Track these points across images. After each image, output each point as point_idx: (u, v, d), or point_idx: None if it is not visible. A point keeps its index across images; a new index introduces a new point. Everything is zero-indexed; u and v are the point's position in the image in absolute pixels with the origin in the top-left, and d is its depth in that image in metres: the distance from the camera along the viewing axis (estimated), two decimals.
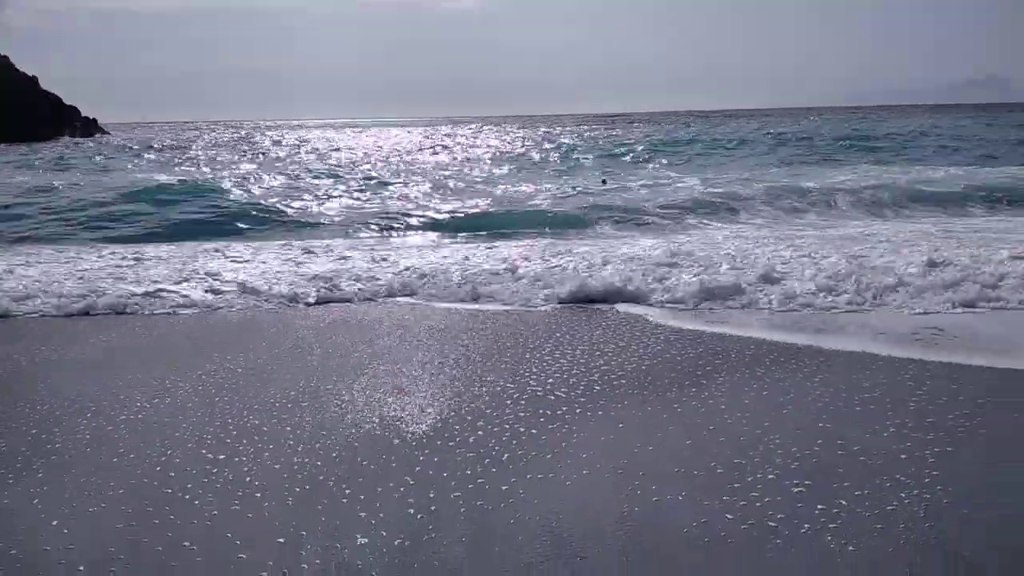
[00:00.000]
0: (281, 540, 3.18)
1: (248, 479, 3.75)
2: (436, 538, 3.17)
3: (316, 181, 20.71)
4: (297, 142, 45.59)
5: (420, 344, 6.04)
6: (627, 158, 29.09)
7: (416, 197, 17.41)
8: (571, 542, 3.11)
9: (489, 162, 28.12)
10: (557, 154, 31.34)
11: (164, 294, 7.72)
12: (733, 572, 2.90)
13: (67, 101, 76.70)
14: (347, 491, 3.60)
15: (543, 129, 59.58)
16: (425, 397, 4.85)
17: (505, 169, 24.93)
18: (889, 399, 4.56)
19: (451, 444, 4.13)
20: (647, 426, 4.28)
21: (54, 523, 3.35)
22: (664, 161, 27.21)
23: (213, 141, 46.29)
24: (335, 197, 17.56)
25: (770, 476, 3.61)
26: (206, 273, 8.88)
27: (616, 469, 3.76)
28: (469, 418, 4.47)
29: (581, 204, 15.36)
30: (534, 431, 4.28)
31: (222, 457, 4.01)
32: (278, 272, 9.01)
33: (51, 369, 5.61)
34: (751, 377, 5.04)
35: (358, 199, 17.41)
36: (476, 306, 7.29)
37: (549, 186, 18.49)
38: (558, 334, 6.20)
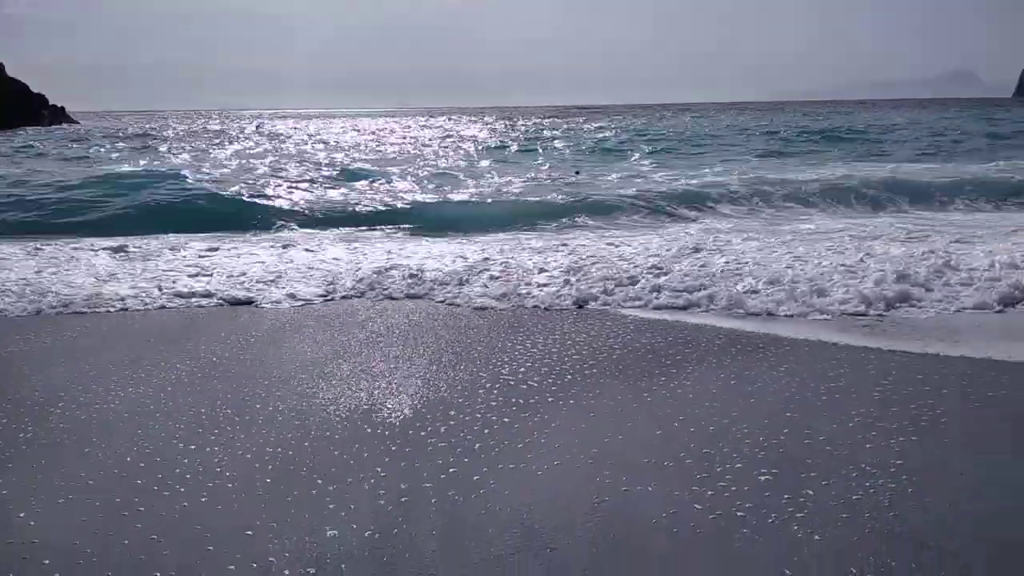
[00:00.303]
0: (249, 533, 3.16)
1: (219, 470, 3.72)
2: (406, 529, 3.17)
3: (284, 171, 20.23)
4: (264, 131, 45.03)
5: (392, 337, 6.03)
6: (604, 149, 29.09)
7: (381, 189, 16.88)
8: (542, 533, 3.12)
9: (462, 153, 28.00)
10: (534, 145, 31.32)
11: (123, 291, 7.45)
12: (702, 562, 2.93)
13: (35, 89, 75.42)
14: (318, 482, 3.59)
15: (521, 120, 59.46)
16: (396, 388, 4.85)
17: (475, 161, 24.75)
18: (853, 388, 4.63)
19: (423, 435, 4.12)
20: (617, 416, 4.31)
21: (21, 515, 3.30)
22: (643, 152, 27.19)
23: (185, 130, 45.62)
24: (302, 189, 16.75)
25: (738, 466, 3.65)
26: (169, 269, 8.72)
27: (587, 459, 3.78)
28: (441, 408, 4.47)
29: (548, 196, 14.97)
30: (506, 420, 4.30)
31: (192, 448, 3.98)
32: (250, 265, 8.92)
33: (21, 362, 5.52)
34: (718, 367, 5.10)
35: (326, 191, 16.70)
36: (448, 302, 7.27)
37: (515, 180, 18.08)
38: (529, 324, 6.22)
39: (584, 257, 8.68)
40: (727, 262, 8.13)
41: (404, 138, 36.70)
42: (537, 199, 14.85)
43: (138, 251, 9.81)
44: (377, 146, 30.96)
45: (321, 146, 31.13)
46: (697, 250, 8.85)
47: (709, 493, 3.40)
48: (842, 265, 7.75)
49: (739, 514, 3.23)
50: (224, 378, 5.05)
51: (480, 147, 30.55)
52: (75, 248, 10.06)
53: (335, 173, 18.76)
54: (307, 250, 9.81)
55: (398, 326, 6.27)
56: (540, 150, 29.20)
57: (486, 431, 4.15)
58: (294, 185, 16.89)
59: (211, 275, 8.15)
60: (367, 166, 20.98)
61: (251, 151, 28.46)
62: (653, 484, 3.50)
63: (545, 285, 7.35)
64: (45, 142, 38.09)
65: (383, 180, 17.76)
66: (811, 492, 3.39)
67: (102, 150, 31.89)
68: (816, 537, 3.04)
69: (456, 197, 15.49)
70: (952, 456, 3.74)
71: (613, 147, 29.59)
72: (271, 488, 3.54)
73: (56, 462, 3.83)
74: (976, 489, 3.40)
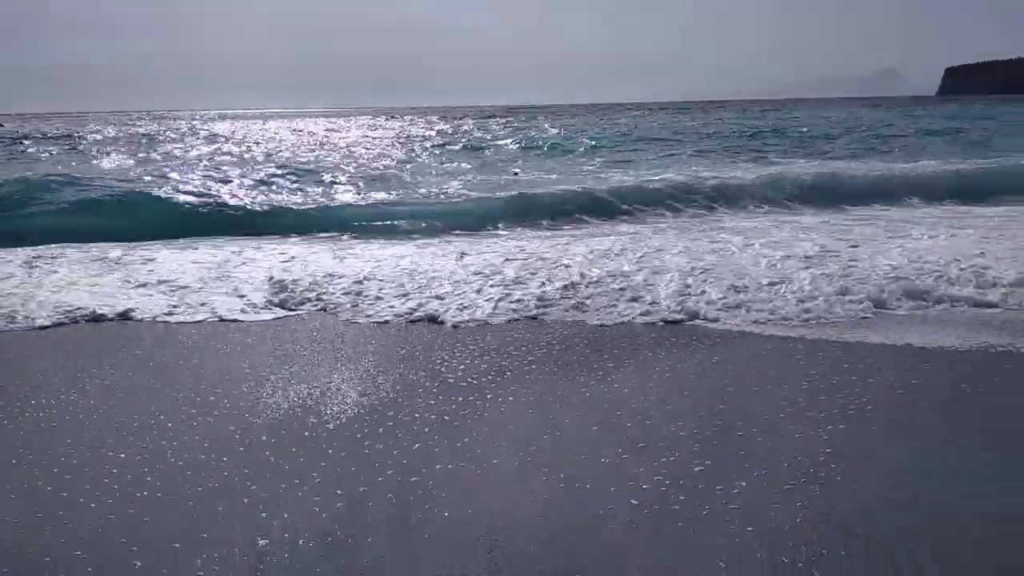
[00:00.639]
0: (177, 545, 3.06)
1: (149, 479, 3.61)
2: (342, 537, 3.11)
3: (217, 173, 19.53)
4: (199, 132, 43.87)
5: (326, 343, 5.96)
6: (549, 147, 29.10)
7: (303, 192, 15.98)
8: (481, 534, 3.10)
9: (401, 154, 27.69)
10: (479, 144, 31.20)
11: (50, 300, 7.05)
12: (639, 558, 2.94)
13: None
14: (252, 488, 3.51)
15: (468, 120, 59.16)
16: (332, 390, 4.77)
17: (413, 161, 24.38)
18: (783, 379, 4.73)
19: (359, 436, 4.07)
20: (555, 412, 4.32)
21: None
22: (586, 150, 27.31)
23: (114, 133, 44.08)
24: (216, 192, 15.16)
25: (672, 458, 3.70)
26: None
27: (525, 457, 3.77)
28: (379, 408, 4.42)
29: (484, 197, 14.48)
30: (446, 417, 4.28)
31: (122, 456, 3.85)
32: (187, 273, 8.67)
33: None
34: (654, 361, 5.16)
35: (250, 194, 15.49)
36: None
37: (452, 181, 17.79)
38: (463, 327, 6.22)
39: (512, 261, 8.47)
40: (653, 261, 8.24)
41: (340, 138, 36.19)
42: (465, 199, 14.37)
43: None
44: (310, 147, 30.35)
45: (251, 147, 30.43)
46: (624, 250, 8.90)
47: (644, 487, 3.43)
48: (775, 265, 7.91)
49: (674, 507, 3.26)
50: (157, 387, 4.91)
51: (423, 147, 30.34)
52: None
53: (264, 176, 18.15)
54: (216, 258, 8.94)
55: (320, 337, 6.14)
56: (485, 150, 29.17)
57: (426, 430, 4.12)
58: (212, 188, 15.64)
59: (146, 284, 7.89)
60: (296, 167, 20.41)
61: (178, 153, 27.66)
62: (590, 481, 3.51)
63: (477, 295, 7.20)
64: None
65: (309, 182, 17.19)
66: (744, 483, 3.44)
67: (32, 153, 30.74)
68: (749, 528, 3.09)
69: (382, 199, 14.82)
70: (879, 444, 3.84)
71: (557, 145, 29.63)
72: (202, 497, 3.44)
73: None
74: (902, 477, 3.51)
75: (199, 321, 6.38)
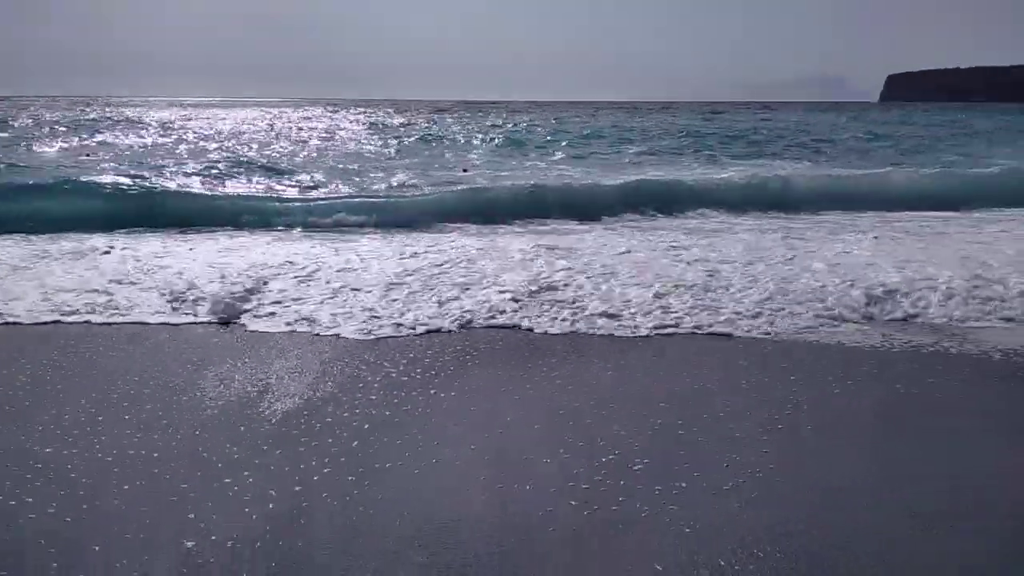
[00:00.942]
0: (96, 548, 2.93)
1: (73, 475, 3.46)
2: (272, 539, 3.02)
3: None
4: (127, 120, 42.27)
5: (253, 357, 5.81)
6: (495, 145, 28.96)
7: (234, 184, 15.12)
8: (421, 535, 3.05)
9: (347, 147, 27.18)
10: (429, 138, 30.87)
11: None
12: (579, 559, 2.92)
13: None
14: (183, 487, 3.39)
15: (421, 113, 58.44)
16: (268, 385, 4.65)
17: (361, 155, 23.92)
18: (723, 379, 4.76)
19: (295, 433, 3.97)
20: (496, 412, 4.28)
21: None
22: (539, 149, 27.14)
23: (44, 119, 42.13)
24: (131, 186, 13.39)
25: (612, 457, 3.69)
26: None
27: (467, 457, 3.73)
28: (318, 405, 4.32)
29: (428, 195, 13.74)
30: (387, 413, 4.22)
31: (49, 451, 3.69)
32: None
33: None
34: (597, 358, 5.17)
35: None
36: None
37: (398, 175, 17.49)
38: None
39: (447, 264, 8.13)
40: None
41: (288, 130, 35.42)
42: (409, 196, 13.61)
43: None
44: (252, 139, 29.58)
45: (190, 137, 29.51)
46: (571, 250, 8.87)
47: (584, 487, 3.41)
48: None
49: (613, 508, 3.25)
50: (88, 381, 4.73)
51: (373, 140, 29.94)
52: None
53: (199, 167, 17.57)
54: (137, 259, 8.11)
55: (234, 345, 6.02)
56: (434, 144, 28.92)
57: (366, 426, 4.04)
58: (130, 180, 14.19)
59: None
60: (234, 159, 19.86)
61: (104, 142, 26.68)
62: (531, 482, 3.47)
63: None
64: None
65: (244, 175, 16.70)
66: (683, 484, 3.45)
67: None
68: (687, 529, 3.09)
69: (318, 193, 14.17)
70: (817, 445, 3.88)
71: (507, 143, 29.48)
72: (129, 497, 3.32)
73: None
74: (840, 478, 3.54)
75: (113, 324, 6.10)
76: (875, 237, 9.72)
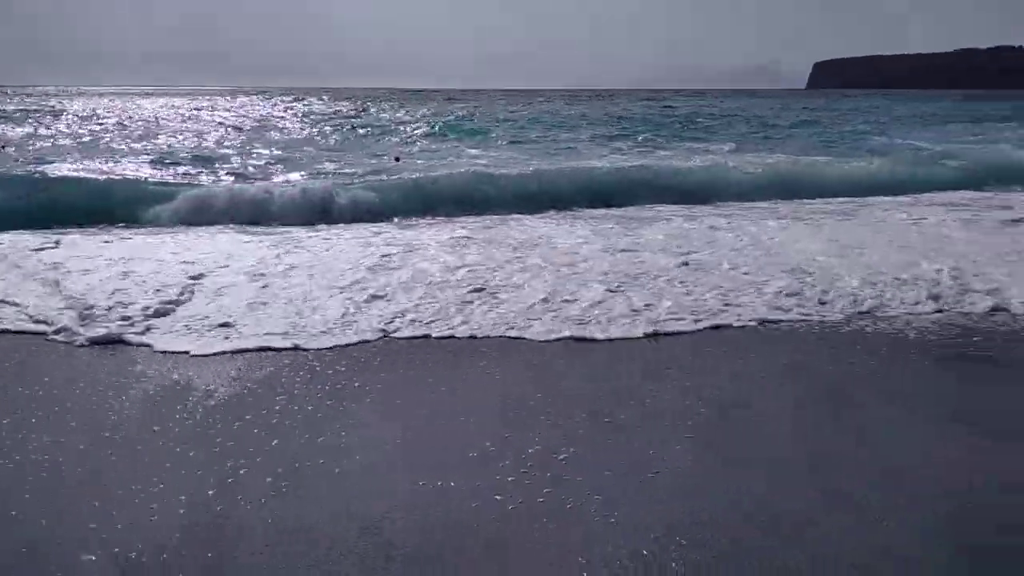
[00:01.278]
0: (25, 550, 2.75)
1: None
2: (177, 547, 2.86)
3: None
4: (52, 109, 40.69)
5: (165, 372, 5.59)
6: (434, 133, 28.60)
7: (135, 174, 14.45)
8: (344, 538, 2.94)
9: (273, 136, 26.53)
10: (364, 127, 30.32)
11: None
12: (503, 553, 2.85)
13: None
14: (84, 497, 3.20)
15: (359, 102, 57.31)
16: (176, 381, 4.47)
17: (290, 144, 23.26)
18: (645, 371, 4.74)
19: (211, 432, 3.81)
20: (418, 414, 4.13)
21: None
22: (472, 137, 26.88)
23: None
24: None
25: (535, 449, 3.63)
26: None
27: (392, 454, 3.63)
28: (235, 402, 4.15)
29: (354, 184, 12.79)
30: (310, 407, 4.10)
31: None
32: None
33: None
34: (514, 350, 5.10)
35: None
36: None
37: (328, 165, 17.09)
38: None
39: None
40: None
41: (204, 119, 34.30)
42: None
43: None
44: (174, 129, 28.56)
45: (108, 126, 28.42)
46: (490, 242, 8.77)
47: (510, 479, 3.35)
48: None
49: (539, 500, 3.19)
50: None
51: (302, 129, 29.29)
52: None
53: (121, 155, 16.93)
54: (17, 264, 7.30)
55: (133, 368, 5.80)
56: (370, 133, 28.43)
57: (286, 423, 3.91)
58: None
59: None
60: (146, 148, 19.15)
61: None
62: (455, 479, 3.37)
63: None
64: None
65: (151, 164, 16.13)
66: (608, 473, 3.41)
67: None
68: (611, 519, 3.05)
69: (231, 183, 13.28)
70: (741, 432, 3.88)
71: (442, 132, 29.12)
72: (24, 506, 3.12)
73: None
74: (764, 463, 3.55)
75: None
76: (784, 222, 9.86)
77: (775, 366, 4.77)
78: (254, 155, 18.98)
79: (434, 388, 4.42)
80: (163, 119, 32.37)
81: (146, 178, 13.89)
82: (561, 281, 6.64)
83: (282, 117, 35.96)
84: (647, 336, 5.29)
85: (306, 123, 31.74)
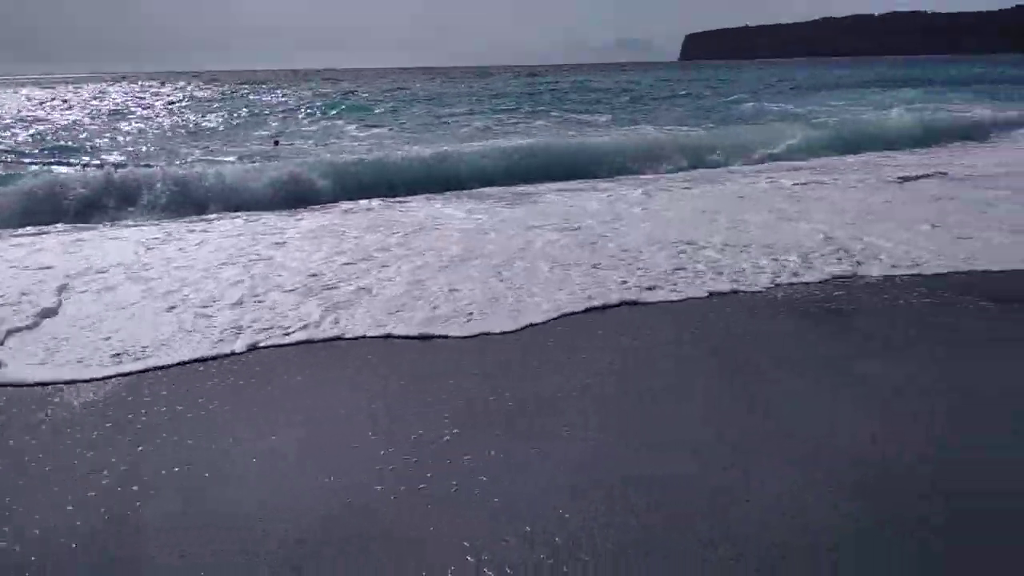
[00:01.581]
0: None
1: None
2: (76, 550, 2.68)
3: None
4: None
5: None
6: (315, 114, 27.70)
7: None
8: (250, 533, 2.84)
9: (144, 124, 25.14)
10: (239, 111, 29.06)
11: None
12: (387, 543, 2.79)
13: None
14: None
15: (237, 85, 54.74)
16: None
17: (163, 133, 22.04)
18: (532, 346, 4.75)
19: (108, 426, 3.64)
20: (295, 412, 3.93)
21: None
22: (359, 116, 26.20)
23: None
24: None
25: (420, 432, 3.59)
26: None
27: (291, 444, 3.53)
28: (130, 392, 3.91)
29: (225, 173, 11.58)
30: (218, 401, 3.98)
31: None
32: None
33: None
34: (399, 350, 4.96)
35: None
36: None
37: (196, 151, 16.18)
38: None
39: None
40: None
41: (65, 108, 32.12)
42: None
43: None
44: (37, 118, 26.66)
45: None
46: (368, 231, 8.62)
47: (391, 468, 3.28)
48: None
49: (421, 486, 3.14)
50: None
51: (175, 114, 27.86)
52: None
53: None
54: None
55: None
56: (249, 114, 27.31)
57: (189, 415, 3.79)
58: None
59: None
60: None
61: None
62: (335, 473, 3.26)
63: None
64: None
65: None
66: (492, 453, 3.39)
67: None
68: (495, 499, 3.03)
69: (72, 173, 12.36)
70: (626, 405, 3.89)
71: (325, 113, 28.23)
72: None
73: None
74: (656, 435, 3.57)
75: None
76: (645, 193, 10.09)
77: (669, 340, 4.82)
78: (112, 146, 17.95)
79: (305, 393, 4.19)
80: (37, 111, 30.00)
81: None
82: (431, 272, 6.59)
83: (148, 104, 34.05)
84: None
85: (183, 109, 30.20)
